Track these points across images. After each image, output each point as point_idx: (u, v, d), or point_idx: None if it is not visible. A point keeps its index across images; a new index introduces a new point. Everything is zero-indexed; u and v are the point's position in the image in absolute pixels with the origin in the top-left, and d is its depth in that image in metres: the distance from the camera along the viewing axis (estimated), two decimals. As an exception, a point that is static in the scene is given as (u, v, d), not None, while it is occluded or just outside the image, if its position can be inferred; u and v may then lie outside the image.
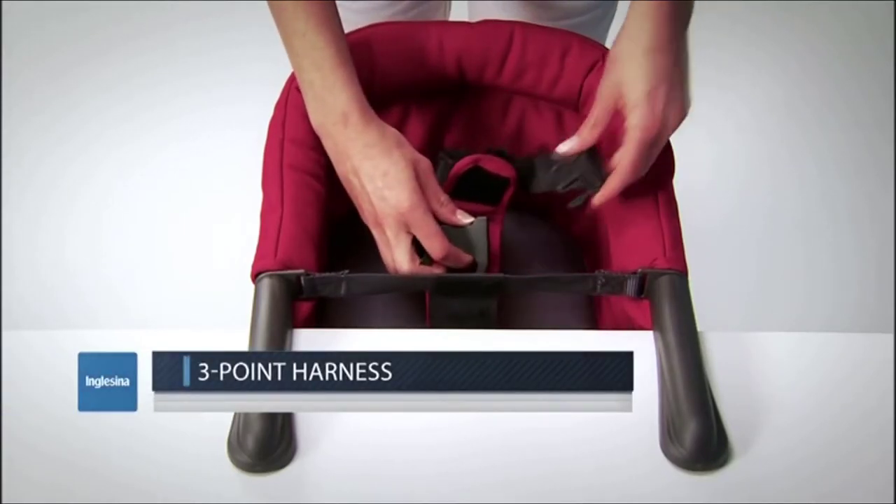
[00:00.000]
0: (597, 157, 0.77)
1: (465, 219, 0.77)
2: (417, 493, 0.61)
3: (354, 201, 0.76)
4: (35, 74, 1.85)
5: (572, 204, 0.77)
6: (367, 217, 0.76)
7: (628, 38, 0.74)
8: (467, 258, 0.76)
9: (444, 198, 0.76)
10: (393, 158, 0.73)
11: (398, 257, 0.75)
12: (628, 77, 0.73)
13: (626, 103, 0.73)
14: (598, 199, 0.76)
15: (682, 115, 0.74)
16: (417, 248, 0.75)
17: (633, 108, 0.73)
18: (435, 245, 0.74)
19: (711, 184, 1.71)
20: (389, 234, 0.74)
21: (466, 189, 0.82)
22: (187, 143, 1.76)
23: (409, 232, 0.74)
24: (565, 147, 0.77)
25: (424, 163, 0.75)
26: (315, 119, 0.76)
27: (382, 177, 0.73)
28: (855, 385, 0.68)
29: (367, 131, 0.74)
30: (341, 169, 0.76)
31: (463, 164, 0.81)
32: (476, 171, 0.81)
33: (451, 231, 0.76)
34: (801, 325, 1.52)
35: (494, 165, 0.81)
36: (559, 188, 0.78)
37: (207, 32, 1.88)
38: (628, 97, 0.73)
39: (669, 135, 0.74)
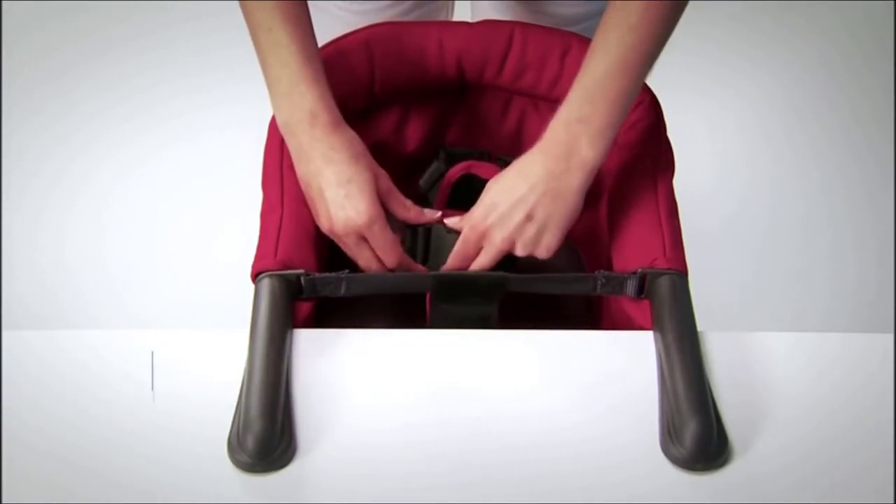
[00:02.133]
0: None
1: (432, 214, 0.78)
2: (417, 493, 0.61)
3: (309, 204, 0.75)
4: (35, 74, 1.85)
5: None
6: (322, 223, 0.74)
7: (525, 154, 0.74)
8: (420, 269, 0.77)
9: (408, 203, 0.77)
10: (358, 167, 0.72)
11: (364, 264, 0.75)
12: (496, 182, 0.74)
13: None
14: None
15: (506, 244, 0.74)
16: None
17: (471, 213, 0.74)
18: (390, 258, 0.74)
19: (712, 184, 1.71)
20: (349, 243, 0.74)
21: (461, 197, 0.81)
22: (187, 143, 1.76)
23: (366, 244, 0.74)
24: (451, 221, 0.78)
25: (385, 176, 0.75)
26: (280, 117, 0.75)
27: (346, 184, 0.72)
28: (855, 385, 0.68)
29: (334, 134, 0.73)
30: (302, 170, 0.74)
31: (455, 170, 0.81)
32: (470, 178, 0.81)
33: (452, 241, 0.76)
34: (802, 325, 1.52)
35: (487, 171, 0.81)
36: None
37: (208, 33, 1.88)
38: (483, 196, 0.74)
39: (494, 252, 0.74)
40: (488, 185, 0.75)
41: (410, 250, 0.79)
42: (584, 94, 0.72)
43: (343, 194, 0.72)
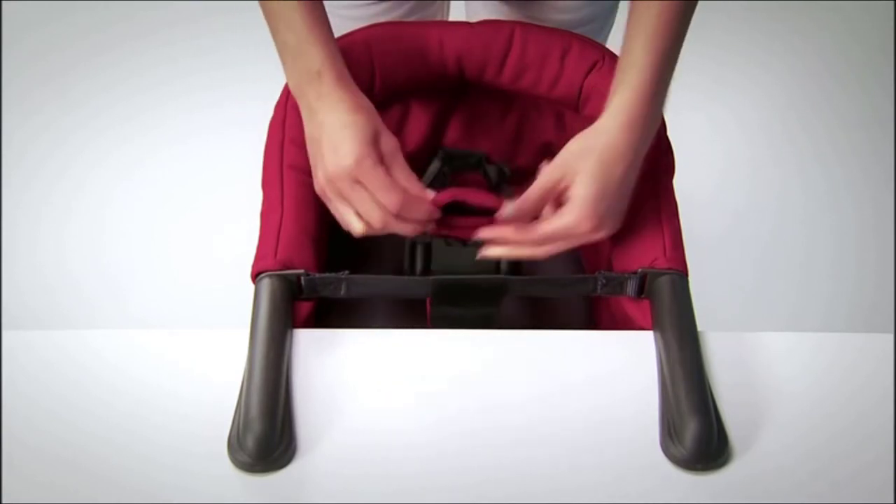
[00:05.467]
0: None
1: (428, 193, 0.74)
2: (417, 493, 0.61)
3: (311, 166, 0.74)
4: (35, 74, 1.85)
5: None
6: (317, 177, 0.73)
7: (594, 133, 0.71)
8: (427, 196, 0.73)
9: (412, 175, 0.74)
10: (359, 115, 0.71)
11: (365, 212, 0.71)
12: (582, 170, 0.70)
13: (571, 195, 0.70)
14: (488, 252, 0.73)
15: (615, 227, 0.72)
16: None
17: (577, 205, 0.70)
18: (390, 198, 0.71)
19: (713, 184, 1.71)
20: (345, 189, 0.71)
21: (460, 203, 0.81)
22: (188, 143, 1.76)
23: (362, 187, 0.71)
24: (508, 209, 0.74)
25: (392, 139, 0.73)
26: (290, 81, 0.75)
27: (342, 129, 0.70)
28: (855, 385, 0.68)
29: (341, 88, 0.72)
30: (309, 128, 0.74)
31: (443, 197, 0.76)
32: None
33: (454, 250, 0.76)
34: (801, 325, 1.52)
35: (478, 198, 0.77)
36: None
37: (208, 33, 1.88)
38: (576, 190, 0.70)
39: (596, 239, 0.72)
40: (570, 176, 0.70)
41: (409, 266, 0.78)
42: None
43: (339, 138, 0.71)
